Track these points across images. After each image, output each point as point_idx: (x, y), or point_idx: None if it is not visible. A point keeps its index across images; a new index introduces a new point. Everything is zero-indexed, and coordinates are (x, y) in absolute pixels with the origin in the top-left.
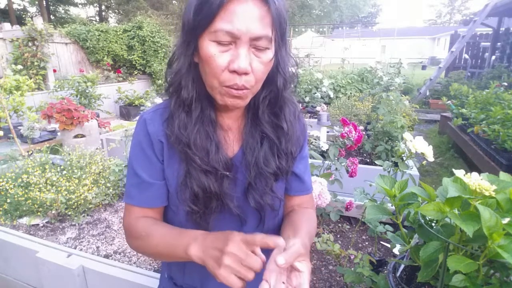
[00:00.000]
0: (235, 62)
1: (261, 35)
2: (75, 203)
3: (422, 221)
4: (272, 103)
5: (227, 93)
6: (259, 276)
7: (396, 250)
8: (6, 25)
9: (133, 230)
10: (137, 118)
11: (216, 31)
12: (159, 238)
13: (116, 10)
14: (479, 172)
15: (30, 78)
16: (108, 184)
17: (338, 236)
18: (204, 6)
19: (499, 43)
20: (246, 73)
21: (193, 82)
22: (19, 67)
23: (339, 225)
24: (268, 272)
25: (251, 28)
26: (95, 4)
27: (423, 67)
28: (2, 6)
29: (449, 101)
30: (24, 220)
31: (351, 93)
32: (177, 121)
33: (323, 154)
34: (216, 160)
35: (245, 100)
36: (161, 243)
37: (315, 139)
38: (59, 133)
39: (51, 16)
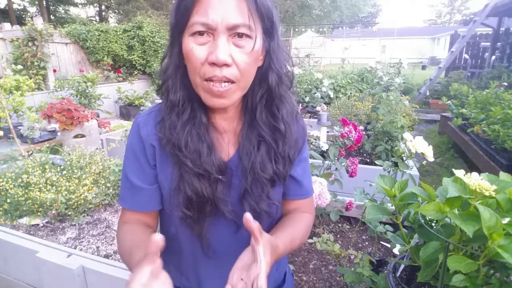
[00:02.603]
0: (213, 53)
1: (237, 23)
2: (75, 203)
3: (422, 221)
4: (268, 102)
5: (209, 91)
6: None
7: (396, 250)
8: (6, 25)
9: (117, 234)
10: None
11: (192, 25)
12: (121, 250)
13: (116, 10)
14: (479, 172)
15: (30, 78)
16: (108, 184)
17: (338, 236)
18: (182, 3)
19: (499, 43)
20: (226, 65)
21: (181, 83)
22: (19, 67)
23: (339, 225)
24: (231, 274)
25: (227, 17)
26: (95, 4)
27: (423, 67)
28: (2, 6)
29: (449, 101)
30: (24, 220)
31: (351, 93)
32: (168, 122)
33: (323, 154)
34: (208, 163)
35: (229, 98)
36: (121, 255)
37: (315, 139)
38: (59, 133)
39: (51, 16)
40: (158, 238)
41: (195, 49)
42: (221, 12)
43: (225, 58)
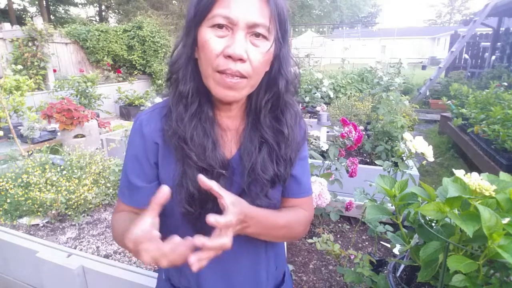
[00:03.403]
0: (231, 47)
1: (258, 23)
2: (75, 203)
3: (422, 221)
4: (274, 106)
5: (220, 82)
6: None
7: (396, 250)
8: (6, 25)
9: (112, 221)
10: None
11: (213, 17)
12: (116, 233)
13: (116, 10)
14: (479, 172)
15: (30, 78)
16: (108, 184)
17: (338, 236)
18: None
19: (499, 43)
20: (241, 59)
21: (191, 75)
22: (19, 67)
23: (339, 225)
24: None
25: (249, 15)
26: (95, 4)
27: (423, 67)
28: (2, 6)
29: (449, 101)
30: (24, 220)
31: (351, 93)
32: (175, 114)
33: (323, 154)
34: (213, 158)
35: (239, 92)
36: (116, 238)
37: (315, 139)
38: (59, 133)
39: (51, 16)
40: (166, 190)
41: (212, 40)
42: (244, 9)
43: (242, 53)
